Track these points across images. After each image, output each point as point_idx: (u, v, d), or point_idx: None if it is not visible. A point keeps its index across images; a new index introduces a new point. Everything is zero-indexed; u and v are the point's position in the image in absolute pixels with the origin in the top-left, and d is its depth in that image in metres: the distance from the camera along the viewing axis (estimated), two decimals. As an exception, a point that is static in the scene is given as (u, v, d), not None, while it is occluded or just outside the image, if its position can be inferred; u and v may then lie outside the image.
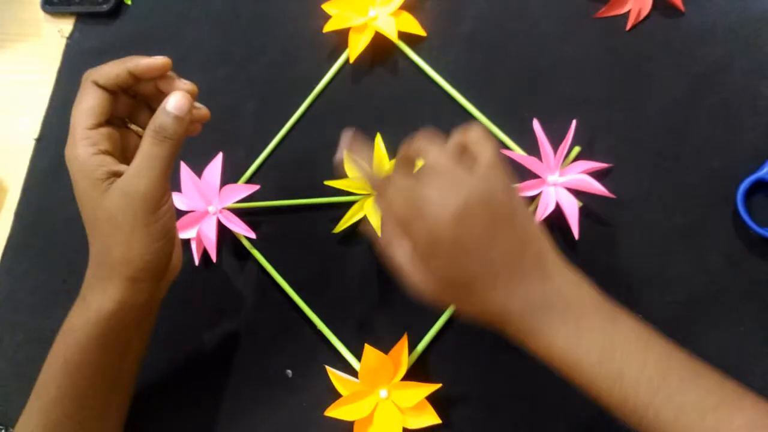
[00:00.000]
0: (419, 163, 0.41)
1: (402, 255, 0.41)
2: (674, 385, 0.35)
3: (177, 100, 0.41)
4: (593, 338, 0.36)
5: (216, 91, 0.58)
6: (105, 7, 0.62)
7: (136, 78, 0.41)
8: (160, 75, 0.42)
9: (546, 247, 0.39)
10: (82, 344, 0.40)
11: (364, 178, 0.42)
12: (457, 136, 0.41)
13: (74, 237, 0.57)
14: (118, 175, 0.39)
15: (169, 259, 0.42)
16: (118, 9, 0.62)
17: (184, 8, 0.61)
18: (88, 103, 0.40)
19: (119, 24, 0.62)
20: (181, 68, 0.58)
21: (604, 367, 0.36)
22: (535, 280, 0.38)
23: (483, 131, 0.40)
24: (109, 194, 0.39)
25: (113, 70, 0.40)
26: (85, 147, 0.39)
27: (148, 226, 0.40)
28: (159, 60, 0.41)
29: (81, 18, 0.63)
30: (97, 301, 0.40)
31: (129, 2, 0.62)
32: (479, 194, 0.37)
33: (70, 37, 0.62)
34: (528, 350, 0.38)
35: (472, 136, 0.40)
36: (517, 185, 0.49)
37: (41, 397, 0.42)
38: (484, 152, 0.39)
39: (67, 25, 0.63)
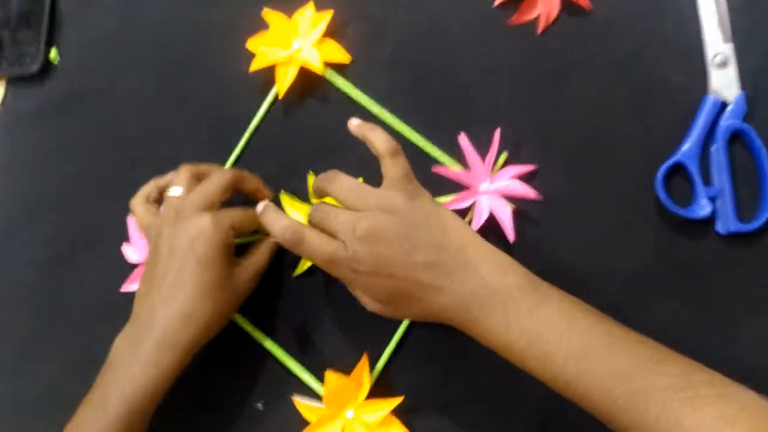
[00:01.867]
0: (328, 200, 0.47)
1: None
2: (597, 356, 0.39)
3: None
4: (520, 325, 0.40)
5: (153, 138, 0.59)
6: (34, 68, 0.62)
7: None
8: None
9: (467, 238, 0.43)
10: (139, 406, 0.44)
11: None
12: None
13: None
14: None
15: None
16: (48, 68, 0.63)
17: (111, 60, 0.62)
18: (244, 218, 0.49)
19: (51, 83, 0.62)
20: (117, 119, 0.60)
21: (533, 350, 0.40)
22: (461, 273, 0.41)
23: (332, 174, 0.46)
24: (237, 270, 0.48)
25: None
26: (233, 233, 0.48)
27: (241, 301, 0.50)
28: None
29: (11, 82, 0.63)
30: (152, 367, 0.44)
31: (55, 62, 0.62)
32: (385, 209, 0.42)
33: (3, 103, 0.63)
34: (473, 337, 0.42)
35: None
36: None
37: None
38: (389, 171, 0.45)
39: (-1, 90, 0.63)
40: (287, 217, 0.46)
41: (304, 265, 0.53)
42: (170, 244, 0.46)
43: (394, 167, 0.44)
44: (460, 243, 0.42)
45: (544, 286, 0.42)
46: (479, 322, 0.41)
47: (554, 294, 0.42)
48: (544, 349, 0.39)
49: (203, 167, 0.52)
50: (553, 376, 0.40)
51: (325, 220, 0.44)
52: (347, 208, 0.44)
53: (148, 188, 0.52)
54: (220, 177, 0.50)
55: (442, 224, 0.43)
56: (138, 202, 0.51)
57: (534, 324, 0.40)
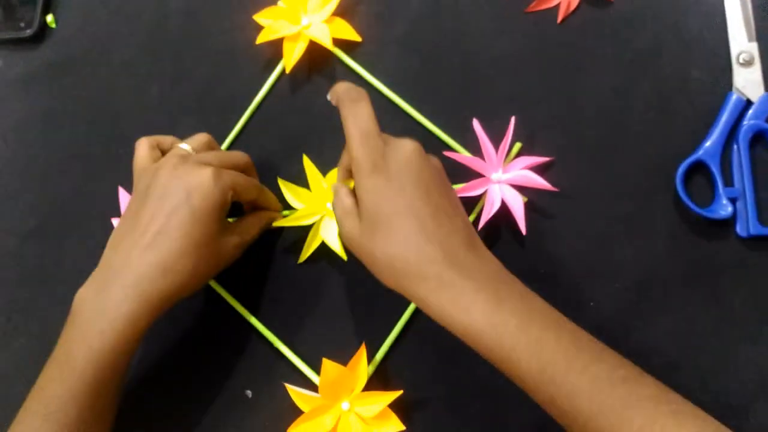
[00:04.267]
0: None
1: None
2: (587, 358, 0.36)
3: (279, 217, 0.51)
4: (511, 307, 0.37)
5: (149, 110, 0.57)
6: (28, 32, 0.59)
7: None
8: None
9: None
10: (108, 363, 0.41)
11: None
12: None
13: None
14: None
15: None
16: (42, 33, 0.60)
17: (110, 28, 0.59)
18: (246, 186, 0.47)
19: (44, 48, 0.60)
20: (112, 89, 0.58)
21: (524, 334, 0.36)
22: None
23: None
24: (227, 233, 0.46)
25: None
26: (231, 195, 0.45)
27: (222, 266, 0.47)
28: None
29: (4, 44, 0.60)
30: (123, 317, 0.41)
31: (53, 25, 0.60)
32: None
33: (-6, 66, 0.60)
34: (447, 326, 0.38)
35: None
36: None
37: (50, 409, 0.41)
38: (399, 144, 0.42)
39: (-11, 54, 0.60)
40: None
41: (308, 252, 0.51)
42: (164, 188, 0.43)
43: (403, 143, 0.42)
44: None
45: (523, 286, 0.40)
46: (468, 315, 0.37)
47: (536, 295, 0.40)
48: (534, 336, 0.36)
49: (222, 149, 0.51)
50: (540, 369, 0.36)
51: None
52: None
53: (163, 138, 0.49)
54: (235, 152, 0.48)
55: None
56: (144, 142, 0.48)
57: (525, 311, 0.37)
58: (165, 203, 0.43)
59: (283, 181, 0.51)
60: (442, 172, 0.43)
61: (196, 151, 0.47)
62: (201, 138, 0.49)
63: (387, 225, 0.39)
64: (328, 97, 0.45)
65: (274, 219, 0.51)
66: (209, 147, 0.49)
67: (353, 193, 0.43)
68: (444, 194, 0.41)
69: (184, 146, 0.47)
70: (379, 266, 0.40)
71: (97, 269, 0.44)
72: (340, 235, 0.44)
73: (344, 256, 0.50)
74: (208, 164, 0.45)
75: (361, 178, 0.40)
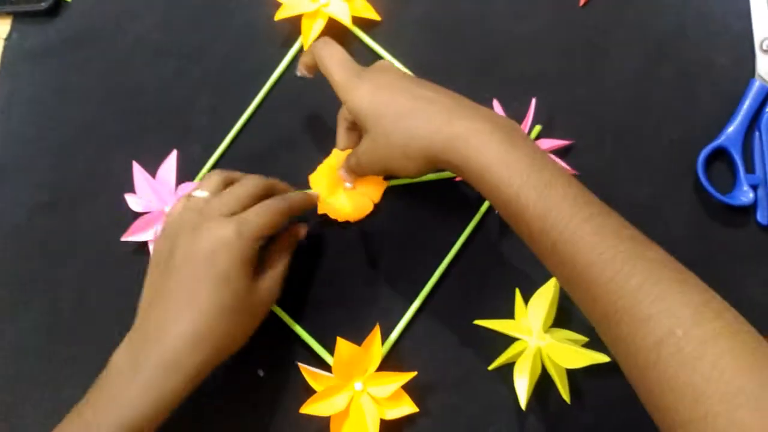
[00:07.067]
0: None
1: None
2: (595, 210, 0.35)
3: (305, 229, 0.49)
4: (524, 150, 0.37)
5: (166, 86, 0.56)
6: (44, 5, 0.59)
7: None
8: None
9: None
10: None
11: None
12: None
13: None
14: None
15: None
16: (57, 6, 0.59)
17: (127, 2, 0.59)
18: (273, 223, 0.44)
19: (59, 22, 0.59)
20: (128, 65, 0.57)
21: (534, 178, 0.36)
22: (466, 107, 0.40)
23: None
24: (260, 283, 0.44)
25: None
26: (258, 244, 0.43)
27: (261, 319, 0.45)
28: (315, 198, 0.50)
29: (18, 17, 0.60)
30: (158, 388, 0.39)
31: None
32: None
33: (8, 39, 0.59)
34: (470, 178, 0.38)
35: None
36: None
37: None
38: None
39: (3, 26, 0.60)
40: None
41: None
42: (186, 254, 0.41)
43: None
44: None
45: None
46: (482, 155, 0.37)
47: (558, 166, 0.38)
48: (544, 180, 0.35)
49: (236, 174, 0.48)
50: (545, 211, 0.35)
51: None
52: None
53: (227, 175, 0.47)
54: (251, 181, 0.45)
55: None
56: (186, 195, 0.46)
57: (536, 155, 0.37)
58: (189, 270, 0.41)
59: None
60: None
61: (213, 193, 0.45)
62: (215, 178, 0.46)
63: (393, 121, 0.40)
64: (297, 72, 0.48)
65: (300, 235, 0.49)
66: (225, 183, 0.46)
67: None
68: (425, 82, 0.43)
69: (200, 193, 0.45)
70: (407, 153, 0.40)
71: (131, 333, 0.42)
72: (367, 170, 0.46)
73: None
74: (229, 213, 0.43)
75: (351, 94, 0.42)
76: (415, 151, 0.40)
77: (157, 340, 0.40)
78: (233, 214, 0.43)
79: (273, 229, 0.44)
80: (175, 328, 0.40)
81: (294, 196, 0.48)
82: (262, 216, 0.43)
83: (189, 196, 0.45)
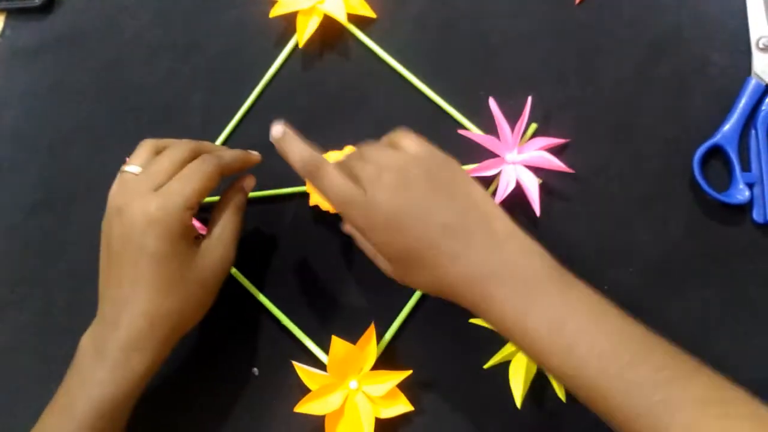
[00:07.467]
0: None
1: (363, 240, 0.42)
2: (625, 360, 0.34)
3: (252, 181, 0.47)
4: (543, 310, 0.36)
5: (160, 84, 0.56)
6: (37, 2, 0.59)
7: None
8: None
9: (492, 211, 0.39)
10: (107, 412, 0.40)
11: (300, 160, 0.41)
12: (385, 138, 0.43)
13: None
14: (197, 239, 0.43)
15: None
16: (51, 3, 0.59)
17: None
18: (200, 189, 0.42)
19: (53, 19, 0.59)
20: (122, 63, 0.57)
21: (554, 340, 0.35)
22: (480, 244, 0.37)
23: (406, 130, 0.42)
24: (200, 256, 0.42)
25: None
26: (189, 213, 0.41)
27: (216, 287, 0.44)
28: (256, 157, 0.47)
29: (12, 14, 0.60)
30: (137, 361, 0.40)
31: (62, -5, 0.59)
32: (413, 165, 0.39)
33: (1, 35, 0.59)
34: (485, 321, 0.38)
35: (397, 134, 0.42)
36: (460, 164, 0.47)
37: None
38: (409, 138, 0.41)
39: (-4, 23, 0.59)
40: (308, 146, 0.40)
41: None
42: (120, 236, 0.41)
43: (412, 137, 0.42)
44: (485, 213, 0.39)
45: (572, 278, 0.38)
46: (496, 303, 0.37)
47: (582, 288, 0.37)
48: (565, 342, 0.35)
49: (165, 141, 0.45)
50: (572, 372, 0.35)
51: (351, 161, 0.40)
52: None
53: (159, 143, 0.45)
54: (177, 148, 0.43)
55: (467, 190, 0.39)
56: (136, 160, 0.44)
57: (558, 313, 0.36)
58: (126, 254, 0.41)
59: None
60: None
61: (144, 166, 0.43)
62: (143, 150, 0.44)
63: (401, 267, 0.40)
64: (271, 138, 0.42)
65: (247, 189, 0.47)
66: (155, 153, 0.44)
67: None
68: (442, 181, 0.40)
69: (131, 168, 0.43)
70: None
71: (95, 319, 0.42)
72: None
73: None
74: (157, 187, 0.41)
75: (356, 216, 0.39)
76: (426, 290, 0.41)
77: (114, 324, 0.41)
78: (162, 185, 0.41)
79: (202, 194, 0.42)
80: (127, 311, 0.41)
81: (224, 153, 0.45)
82: (186, 183, 0.41)
83: (122, 172, 0.43)
